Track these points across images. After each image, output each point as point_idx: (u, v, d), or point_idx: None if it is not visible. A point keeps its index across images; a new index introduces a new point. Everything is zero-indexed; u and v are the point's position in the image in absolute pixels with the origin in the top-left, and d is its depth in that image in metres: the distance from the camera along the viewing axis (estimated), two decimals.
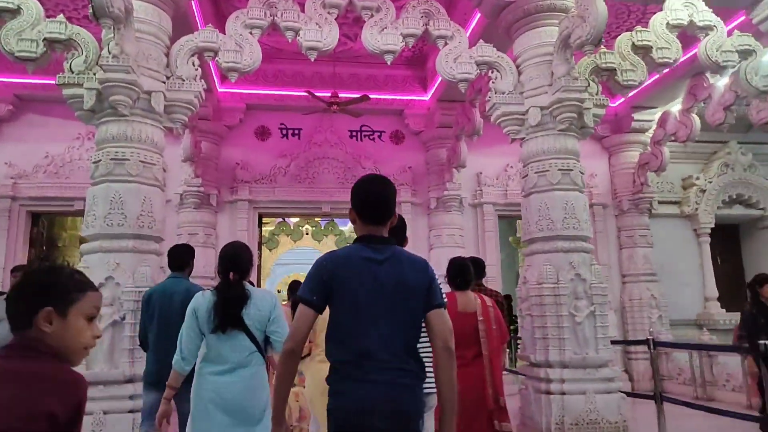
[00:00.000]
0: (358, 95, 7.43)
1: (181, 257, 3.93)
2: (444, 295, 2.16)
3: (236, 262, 2.82)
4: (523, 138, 5.53)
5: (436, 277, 2.13)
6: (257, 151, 8.69)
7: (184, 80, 5.00)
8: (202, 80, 5.10)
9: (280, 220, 14.86)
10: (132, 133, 4.73)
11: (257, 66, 5.24)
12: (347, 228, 16.64)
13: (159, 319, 3.70)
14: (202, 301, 2.78)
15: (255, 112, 8.72)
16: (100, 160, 4.68)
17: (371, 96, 8.29)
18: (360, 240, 1.99)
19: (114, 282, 4.46)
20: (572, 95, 5.06)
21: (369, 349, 1.85)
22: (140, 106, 4.78)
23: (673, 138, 8.23)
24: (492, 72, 5.58)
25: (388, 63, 5.46)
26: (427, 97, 8.86)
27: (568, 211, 5.14)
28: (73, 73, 4.74)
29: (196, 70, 5.10)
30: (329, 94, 7.34)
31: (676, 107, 8.58)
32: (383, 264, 1.92)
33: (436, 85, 8.46)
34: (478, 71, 5.50)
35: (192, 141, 7.54)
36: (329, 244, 17.83)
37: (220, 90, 8.38)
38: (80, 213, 9.19)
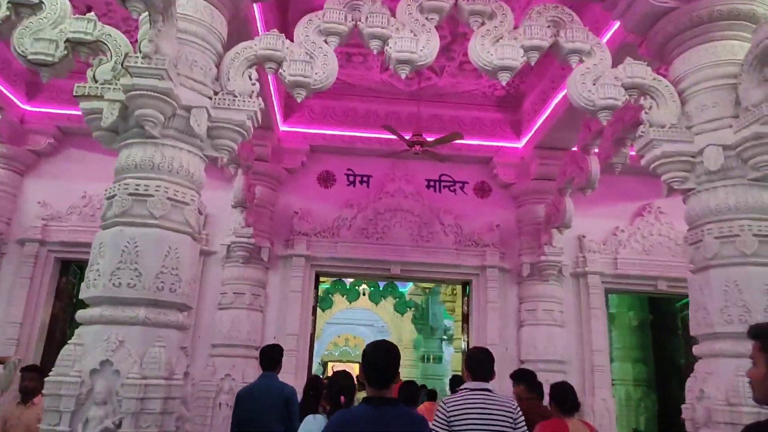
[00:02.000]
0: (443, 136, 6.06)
1: (274, 357, 4.21)
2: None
3: (345, 389, 3.16)
4: (692, 189, 3.93)
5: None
6: (319, 200, 7.40)
7: (236, 96, 3.74)
8: (260, 99, 3.83)
9: (336, 279, 13.52)
10: (161, 160, 3.44)
11: (331, 81, 3.94)
12: (407, 289, 15.11)
13: (255, 418, 3.95)
14: (314, 426, 2.99)
15: (319, 155, 7.49)
16: (115, 195, 3.40)
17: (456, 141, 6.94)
18: (367, 401, 2.29)
19: (112, 369, 3.05)
20: None
21: None
22: (176, 126, 3.52)
23: None
24: (644, 99, 4.08)
25: (504, 83, 4.05)
26: (520, 144, 7.42)
27: None
28: (96, 82, 3.55)
29: (253, 84, 3.84)
30: (410, 135, 5.99)
31: None
32: (386, 425, 2.22)
33: (534, 130, 7.02)
34: (626, 97, 4.01)
35: (245, 183, 6.31)
36: (387, 307, 16.26)
37: (281, 128, 7.22)
38: None
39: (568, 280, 7.25)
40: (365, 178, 7.52)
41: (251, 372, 6.57)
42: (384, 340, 2.45)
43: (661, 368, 10.31)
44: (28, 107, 7.06)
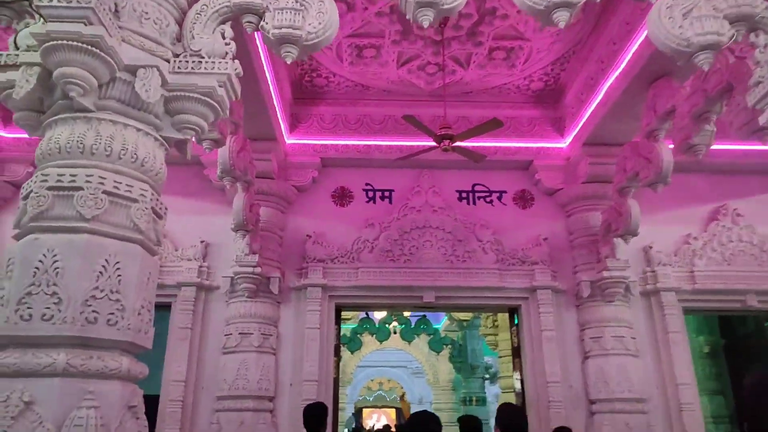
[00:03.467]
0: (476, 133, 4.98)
1: (316, 416, 3.90)
2: None
3: None
4: None
5: None
6: (335, 220, 6.35)
7: (203, 58, 2.76)
8: (237, 62, 2.84)
9: (363, 315, 12.33)
10: (95, 140, 2.45)
11: (331, 35, 2.94)
12: (442, 324, 13.81)
13: None
14: None
15: (333, 169, 6.48)
16: (31, 190, 2.40)
17: (487, 144, 5.90)
18: None
19: None
20: None
21: None
22: (117, 95, 2.54)
23: None
24: (756, 35, 2.97)
25: (561, 25, 2.98)
26: (565, 144, 6.31)
27: None
28: (18, 49, 2.62)
29: (227, 44, 2.86)
30: (437, 130, 4.93)
31: None
32: None
33: (581, 124, 5.91)
34: (732, 32, 2.91)
35: (246, 202, 5.30)
36: (421, 346, 14.94)
37: (288, 141, 6.27)
38: None
39: (637, 300, 5.98)
40: (386, 193, 6.46)
41: (263, 429, 5.43)
42: (423, 412, 2.40)
43: (741, 401, 8.78)
44: None
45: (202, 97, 2.69)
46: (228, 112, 2.88)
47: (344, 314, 11.42)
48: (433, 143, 4.89)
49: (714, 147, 5.99)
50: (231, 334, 5.70)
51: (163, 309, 6.03)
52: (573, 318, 5.98)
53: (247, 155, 5.17)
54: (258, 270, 5.65)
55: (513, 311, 6.30)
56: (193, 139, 2.88)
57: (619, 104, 5.18)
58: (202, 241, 6.09)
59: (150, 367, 2.63)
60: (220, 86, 2.72)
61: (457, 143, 4.83)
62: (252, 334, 5.66)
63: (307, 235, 6.17)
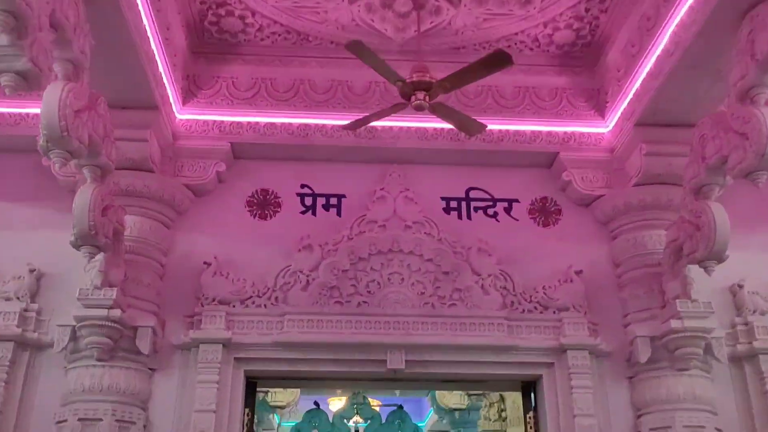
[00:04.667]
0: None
1: None
2: None
3: None
4: None
5: None
6: (251, 240, 5.65)
7: None
8: None
9: (314, 407, 11.28)
10: None
11: None
12: (427, 421, 12.86)
13: None
14: None
15: (250, 162, 5.88)
16: None
17: (490, 126, 5.12)
18: None
19: None
20: None
21: None
22: None
23: None
24: None
25: None
26: (607, 127, 5.79)
27: None
28: None
29: None
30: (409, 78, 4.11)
31: None
32: None
33: (630, 94, 5.35)
34: None
35: (96, 200, 4.35)
36: None
37: (180, 116, 5.55)
38: None
39: (724, 369, 5.26)
40: (333, 200, 5.84)
41: None
42: None
43: None
44: None
45: None
46: None
47: (276, 400, 10.40)
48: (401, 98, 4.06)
49: None
50: (66, 420, 4.80)
51: None
52: (624, 396, 5.32)
53: (99, 122, 4.32)
54: (116, 314, 4.77)
55: (529, 387, 5.61)
56: None
57: (692, 55, 4.55)
58: (31, 270, 5.27)
59: None
60: None
61: (439, 99, 3.98)
62: (101, 420, 4.78)
63: (205, 263, 5.44)
